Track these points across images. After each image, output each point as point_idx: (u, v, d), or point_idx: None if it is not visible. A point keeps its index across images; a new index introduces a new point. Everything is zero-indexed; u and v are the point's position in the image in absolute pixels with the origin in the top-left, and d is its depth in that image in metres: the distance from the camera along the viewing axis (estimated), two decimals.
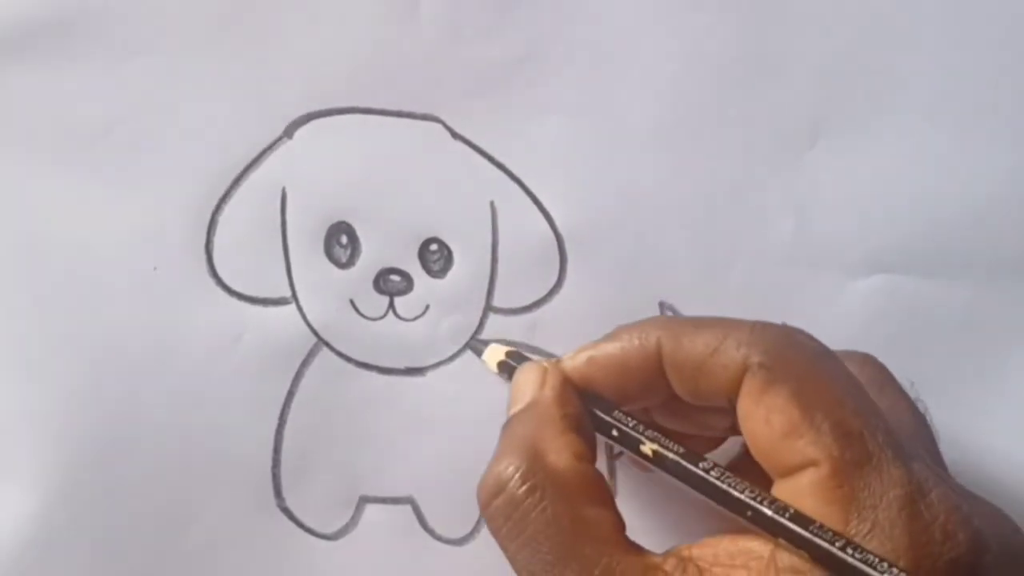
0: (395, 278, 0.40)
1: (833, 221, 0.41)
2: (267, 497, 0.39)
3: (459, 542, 0.40)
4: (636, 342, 0.34)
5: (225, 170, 0.39)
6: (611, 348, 0.34)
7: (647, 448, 0.33)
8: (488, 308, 0.40)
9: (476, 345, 0.39)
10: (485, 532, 0.40)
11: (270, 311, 0.40)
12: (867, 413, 0.31)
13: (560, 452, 0.32)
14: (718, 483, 0.32)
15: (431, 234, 0.40)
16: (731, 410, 0.32)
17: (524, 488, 0.32)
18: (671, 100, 0.40)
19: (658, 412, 0.36)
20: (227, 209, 0.39)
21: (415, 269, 0.40)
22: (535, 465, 0.32)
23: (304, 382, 0.40)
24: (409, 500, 0.40)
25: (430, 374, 0.40)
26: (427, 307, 0.40)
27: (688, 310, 0.41)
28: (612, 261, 0.41)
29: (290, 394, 0.40)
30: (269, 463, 0.39)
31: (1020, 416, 0.41)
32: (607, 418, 0.34)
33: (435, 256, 0.40)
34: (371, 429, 0.40)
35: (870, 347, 0.41)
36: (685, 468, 0.33)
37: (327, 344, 0.40)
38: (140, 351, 0.39)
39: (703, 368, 0.32)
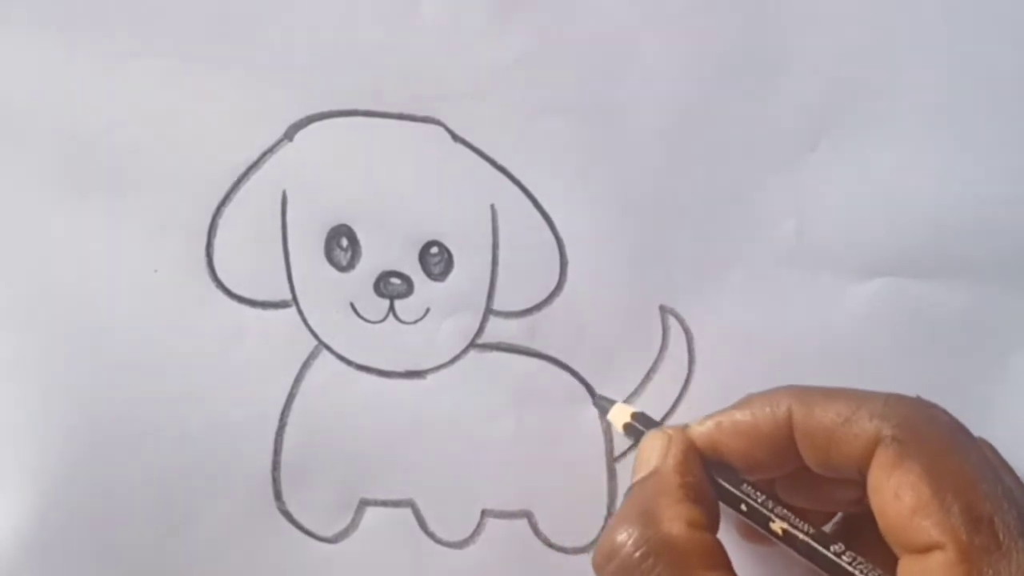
0: (395, 281, 0.40)
1: (834, 224, 0.41)
2: (267, 500, 0.39)
3: (459, 545, 0.40)
4: (767, 409, 0.34)
5: (225, 173, 0.39)
6: (740, 415, 0.35)
7: (777, 526, 0.34)
8: (488, 311, 0.40)
9: (601, 403, 0.40)
10: (485, 536, 0.40)
11: (270, 314, 0.39)
12: (999, 497, 0.30)
13: (674, 520, 0.33)
14: (849, 567, 0.32)
15: (432, 237, 0.40)
16: (860, 482, 0.32)
17: (638, 554, 0.32)
18: (672, 102, 0.40)
19: (783, 483, 0.36)
20: (227, 212, 0.39)
21: (415, 272, 0.40)
22: (649, 532, 0.32)
23: (304, 385, 0.40)
24: (409, 503, 0.40)
25: (430, 377, 0.40)
26: (427, 310, 0.40)
27: (689, 313, 0.41)
28: (612, 264, 0.40)
29: (290, 397, 0.39)
30: (269, 466, 0.39)
31: (1021, 419, 0.41)
32: (735, 491, 0.35)
33: (436, 259, 0.40)
34: (371, 432, 0.40)
35: (871, 350, 0.41)
36: (815, 550, 0.33)
37: (327, 347, 0.40)
38: (140, 353, 0.39)
39: (835, 438, 0.32)
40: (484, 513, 0.40)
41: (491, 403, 0.40)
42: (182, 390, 0.39)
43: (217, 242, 0.39)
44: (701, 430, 0.35)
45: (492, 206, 0.40)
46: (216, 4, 0.39)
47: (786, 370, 0.40)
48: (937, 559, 0.30)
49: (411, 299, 0.40)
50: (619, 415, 0.39)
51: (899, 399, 0.33)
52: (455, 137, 0.40)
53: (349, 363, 0.40)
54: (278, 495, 0.39)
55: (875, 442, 0.32)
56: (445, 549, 0.40)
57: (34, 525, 0.38)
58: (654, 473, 0.34)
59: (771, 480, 0.36)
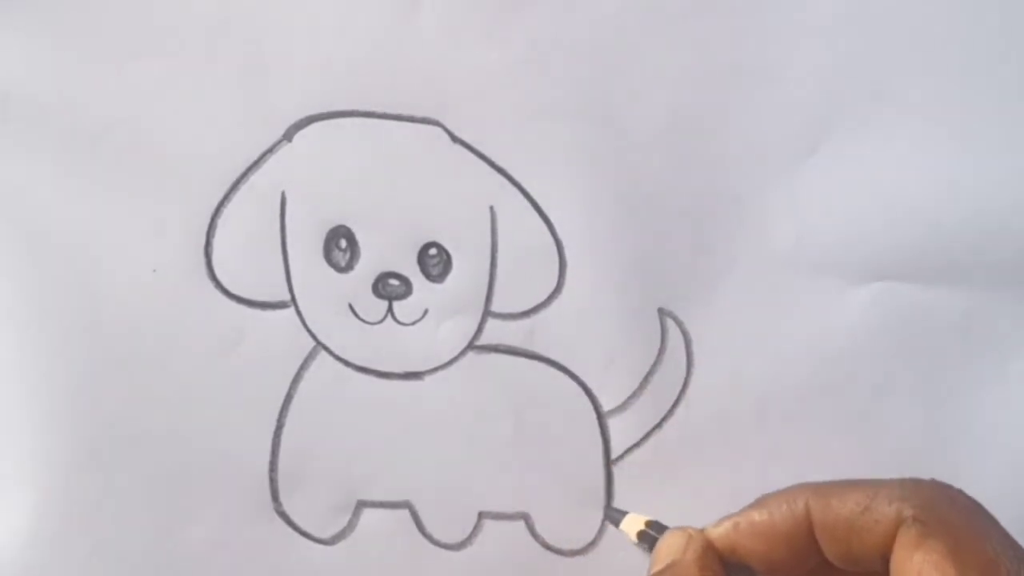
0: (394, 282, 0.40)
1: (833, 228, 0.41)
2: (264, 501, 0.39)
3: (456, 547, 0.40)
4: (784, 507, 0.34)
5: (225, 173, 0.39)
6: (758, 515, 0.34)
7: None
8: (487, 313, 0.40)
9: (612, 515, 0.40)
10: (482, 537, 0.40)
11: (269, 315, 0.39)
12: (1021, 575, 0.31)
13: None
14: None
15: (430, 238, 0.40)
16: (883, 573, 0.32)
17: None
18: (672, 105, 0.40)
19: None
20: (226, 212, 0.39)
21: (414, 273, 0.40)
22: None
23: (302, 386, 0.39)
24: (407, 505, 0.40)
25: (428, 378, 0.40)
26: (426, 311, 0.40)
27: (688, 316, 0.41)
28: (612, 266, 0.40)
29: (288, 398, 0.39)
30: (267, 467, 0.39)
31: (1020, 423, 0.41)
32: None
33: (434, 260, 0.40)
34: (369, 433, 0.40)
35: (869, 354, 0.41)
36: None
37: (326, 348, 0.40)
38: (138, 354, 0.39)
39: (855, 527, 0.32)
40: (481, 515, 0.40)
41: (489, 405, 0.40)
42: (180, 390, 0.39)
43: (216, 242, 0.39)
44: (718, 532, 0.35)
45: (491, 207, 0.40)
46: (216, 4, 0.39)
47: (784, 374, 0.41)
48: None
49: (410, 300, 0.40)
50: (632, 525, 0.38)
51: (916, 482, 0.33)
52: (454, 138, 0.40)
53: (347, 364, 0.40)
54: (275, 496, 0.39)
55: (896, 525, 0.31)
56: (442, 551, 0.40)
57: (33, 525, 0.38)
58: (672, 566, 0.34)
59: None
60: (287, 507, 0.39)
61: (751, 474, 0.41)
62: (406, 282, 0.40)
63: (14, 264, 0.38)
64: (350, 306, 0.40)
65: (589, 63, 0.40)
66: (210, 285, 0.39)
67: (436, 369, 0.40)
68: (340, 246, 0.40)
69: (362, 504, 0.40)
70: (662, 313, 0.41)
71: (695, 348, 0.41)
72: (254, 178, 0.39)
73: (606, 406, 0.41)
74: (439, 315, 0.40)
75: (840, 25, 0.40)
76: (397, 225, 0.40)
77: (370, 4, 0.40)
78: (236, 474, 0.39)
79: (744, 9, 0.40)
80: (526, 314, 0.40)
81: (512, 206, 0.40)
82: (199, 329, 0.39)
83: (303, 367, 0.40)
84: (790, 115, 0.41)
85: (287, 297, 0.40)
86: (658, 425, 0.41)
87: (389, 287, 0.40)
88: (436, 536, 0.40)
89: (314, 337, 0.40)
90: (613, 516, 0.39)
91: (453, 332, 0.40)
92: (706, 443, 0.41)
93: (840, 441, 0.41)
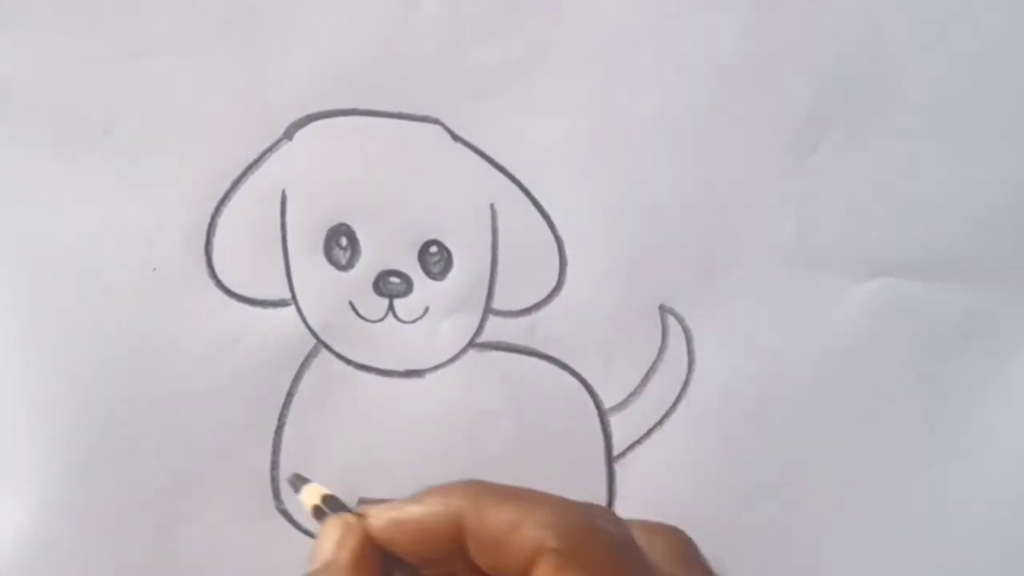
0: (395, 280, 0.40)
1: (834, 224, 0.41)
2: (266, 499, 0.39)
3: None
4: (440, 508, 0.32)
5: (225, 172, 0.39)
6: (415, 511, 0.32)
7: None
8: (488, 310, 0.40)
9: (295, 481, 0.35)
10: None
11: (269, 313, 0.40)
12: None
13: None
14: None
15: (431, 236, 0.40)
16: None
17: None
18: (672, 102, 0.40)
19: None
20: (227, 211, 0.39)
21: (415, 271, 0.40)
22: None
23: (303, 384, 0.40)
24: None
25: (429, 376, 0.40)
26: (427, 309, 0.40)
27: (689, 313, 0.41)
28: (612, 264, 0.40)
29: (289, 396, 0.39)
30: (268, 465, 0.39)
31: (1020, 420, 0.41)
32: None
33: (435, 258, 0.40)
34: (370, 431, 0.40)
35: (870, 351, 0.41)
36: None
37: (326, 346, 0.40)
38: (139, 353, 0.39)
39: (501, 546, 0.31)
40: None
41: (490, 402, 0.40)
42: (181, 389, 0.39)
43: (216, 241, 0.39)
44: (378, 523, 0.32)
45: (491, 205, 0.40)
46: (216, 4, 0.39)
47: (785, 370, 0.41)
48: None
49: (410, 298, 0.40)
50: (309, 497, 0.35)
51: (568, 507, 0.31)
52: (454, 136, 0.40)
53: (348, 362, 0.40)
54: (277, 494, 0.39)
55: (538, 552, 0.30)
56: None
57: (34, 525, 0.38)
58: (326, 567, 0.32)
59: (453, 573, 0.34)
60: (289, 505, 0.39)
61: (752, 470, 0.41)
62: (407, 280, 0.40)
63: (14, 264, 0.38)
64: (351, 304, 0.40)
65: (589, 61, 0.40)
66: (211, 284, 0.39)
67: (437, 367, 0.40)
68: (341, 244, 0.40)
69: (363, 502, 0.40)
70: (663, 310, 0.41)
71: (696, 345, 0.41)
72: (254, 177, 0.39)
73: (607, 403, 0.41)
74: (440, 313, 0.40)
75: (841, 22, 0.40)
76: (398, 223, 0.40)
77: (370, 3, 0.40)
78: (237, 472, 0.39)
79: (744, 7, 0.40)
80: (527, 311, 0.40)
81: (512, 204, 0.40)
82: (200, 328, 0.39)
83: (304, 365, 0.40)
84: (791, 113, 0.40)
85: (288, 295, 0.40)
86: (660, 422, 0.41)
87: (390, 285, 0.40)
88: None
89: (315, 335, 0.40)
90: (294, 483, 0.35)
91: (454, 330, 0.40)
92: (707, 440, 0.41)
93: (840, 437, 0.41)
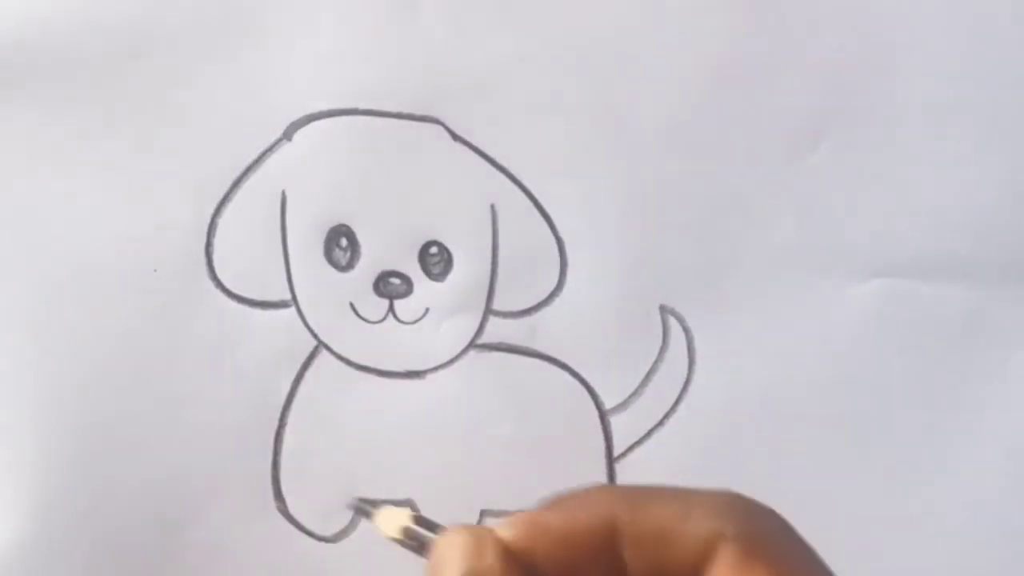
0: (395, 281, 0.40)
1: (835, 225, 0.41)
2: (267, 500, 0.39)
3: None
4: (586, 511, 0.29)
5: (225, 173, 0.39)
6: (555, 517, 0.29)
7: None
8: (488, 311, 0.40)
9: (362, 507, 0.33)
10: None
11: (270, 314, 0.39)
12: None
13: None
14: None
15: (431, 237, 0.40)
16: None
17: None
18: (673, 102, 0.40)
19: None
20: (227, 212, 0.39)
21: (415, 272, 0.40)
22: None
23: (304, 385, 0.40)
24: (408, 503, 0.40)
25: (429, 377, 0.40)
26: (427, 310, 0.40)
27: (689, 314, 0.41)
28: (613, 264, 0.40)
29: (290, 397, 0.39)
30: (269, 466, 0.39)
31: (1020, 420, 0.41)
32: None
33: (435, 259, 0.40)
34: (370, 432, 0.40)
35: (870, 350, 0.41)
36: None
37: (327, 347, 0.40)
38: (140, 354, 0.39)
39: (668, 539, 0.29)
40: (483, 513, 0.40)
41: (491, 403, 0.40)
42: (182, 390, 0.39)
43: (217, 242, 0.39)
44: (513, 532, 0.29)
45: (492, 206, 0.40)
46: (216, 4, 0.39)
47: (786, 371, 0.41)
48: None
49: (411, 299, 0.40)
50: (392, 521, 0.31)
51: (735, 498, 0.30)
52: (455, 136, 0.40)
53: (349, 363, 0.40)
54: (278, 495, 0.39)
55: (715, 541, 0.28)
56: None
57: (34, 525, 0.38)
58: (471, 575, 0.28)
59: None
60: (289, 506, 0.40)
61: (754, 471, 0.41)
62: (407, 281, 0.40)
63: (15, 264, 0.38)
64: (351, 305, 0.40)
65: (590, 60, 0.40)
66: (211, 285, 0.39)
67: (437, 368, 0.40)
68: (341, 245, 0.40)
69: (364, 501, 0.40)
70: (664, 310, 0.41)
71: (697, 345, 0.41)
72: (254, 177, 0.39)
73: (608, 404, 0.41)
74: (440, 314, 0.40)
75: (842, 22, 0.40)
76: (398, 224, 0.40)
77: (370, 2, 0.39)
78: (238, 473, 0.39)
79: (744, 7, 0.40)
80: (527, 312, 0.40)
81: (513, 204, 0.40)
82: (200, 329, 0.39)
83: (304, 366, 0.40)
84: (791, 112, 0.40)
85: (288, 296, 0.40)
86: (660, 423, 0.41)
87: (390, 286, 0.40)
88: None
89: (315, 336, 0.40)
90: (362, 508, 0.33)
91: (454, 331, 0.40)
92: (708, 441, 0.41)
93: (841, 438, 0.41)
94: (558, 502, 0.30)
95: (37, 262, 0.39)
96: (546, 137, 0.40)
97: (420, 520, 0.31)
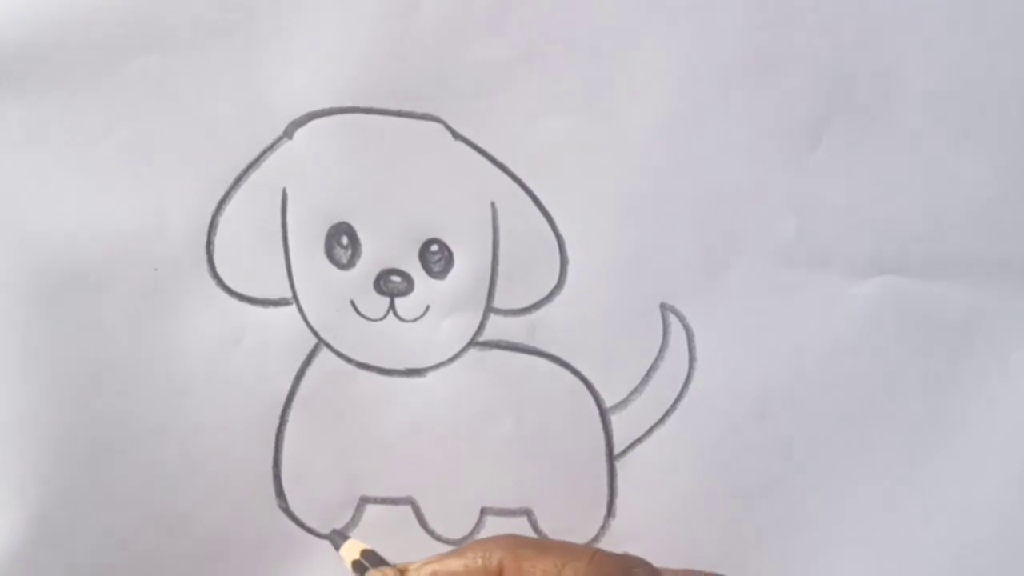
0: (396, 279, 0.40)
1: (835, 223, 0.41)
2: (268, 497, 0.40)
3: (459, 542, 0.40)
4: (479, 561, 0.34)
5: (226, 171, 0.39)
6: (455, 564, 0.35)
7: None
8: (489, 309, 0.40)
9: (335, 538, 0.39)
10: (485, 532, 0.40)
11: (271, 312, 0.40)
12: None
13: None
14: None
15: (432, 235, 0.40)
16: None
17: None
18: (673, 101, 0.40)
19: None
20: (228, 210, 0.39)
21: (416, 270, 0.40)
22: None
23: (304, 383, 0.40)
24: (409, 500, 0.40)
25: (430, 375, 0.40)
26: (427, 308, 0.40)
27: (689, 311, 0.41)
28: (613, 262, 0.40)
29: (291, 395, 0.40)
30: (270, 463, 0.40)
31: (1020, 419, 0.41)
32: None
33: (436, 257, 0.40)
34: (371, 430, 0.40)
35: (871, 349, 0.41)
36: None
37: (327, 345, 0.40)
38: (141, 352, 0.39)
39: None
40: (484, 511, 0.40)
41: (491, 401, 0.40)
42: (182, 388, 0.39)
43: (217, 240, 0.39)
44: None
45: (492, 204, 0.40)
46: (216, 3, 0.39)
47: (786, 368, 0.41)
48: None
49: (411, 297, 0.40)
50: (349, 552, 0.38)
51: (604, 557, 0.33)
52: (455, 135, 0.40)
53: (349, 361, 0.40)
54: (279, 492, 0.40)
55: None
56: (445, 546, 0.40)
57: (36, 522, 0.38)
58: None
59: None
60: (291, 503, 0.40)
61: (753, 469, 0.41)
62: (408, 279, 0.40)
63: (15, 264, 0.38)
64: (352, 303, 0.40)
65: (590, 58, 0.40)
66: (212, 283, 0.39)
67: (438, 365, 0.40)
68: (341, 243, 0.40)
69: (365, 500, 0.40)
70: (664, 308, 0.41)
71: (697, 343, 0.41)
72: (255, 176, 0.39)
73: (608, 402, 0.41)
74: (441, 312, 0.40)
75: (842, 21, 0.40)
76: (398, 222, 0.40)
77: (371, 1, 0.39)
78: (239, 471, 0.39)
79: (745, 7, 0.40)
80: (528, 310, 0.40)
81: (513, 202, 0.40)
82: (201, 327, 0.39)
83: (305, 364, 0.40)
84: (792, 111, 0.40)
85: (289, 294, 0.40)
86: (660, 420, 0.41)
87: (391, 284, 0.40)
88: (439, 531, 0.40)
89: (316, 334, 0.40)
90: (335, 539, 0.39)
91: (455, 328, 0.40)
92: (708, 438, 0.41)
93: (842, 435, 0.41)
94: (461, 550, 0.35)
95: (38, 260, 0.39)
96: (546, 135, 0.40)
97: (368, 555, 0.37)
